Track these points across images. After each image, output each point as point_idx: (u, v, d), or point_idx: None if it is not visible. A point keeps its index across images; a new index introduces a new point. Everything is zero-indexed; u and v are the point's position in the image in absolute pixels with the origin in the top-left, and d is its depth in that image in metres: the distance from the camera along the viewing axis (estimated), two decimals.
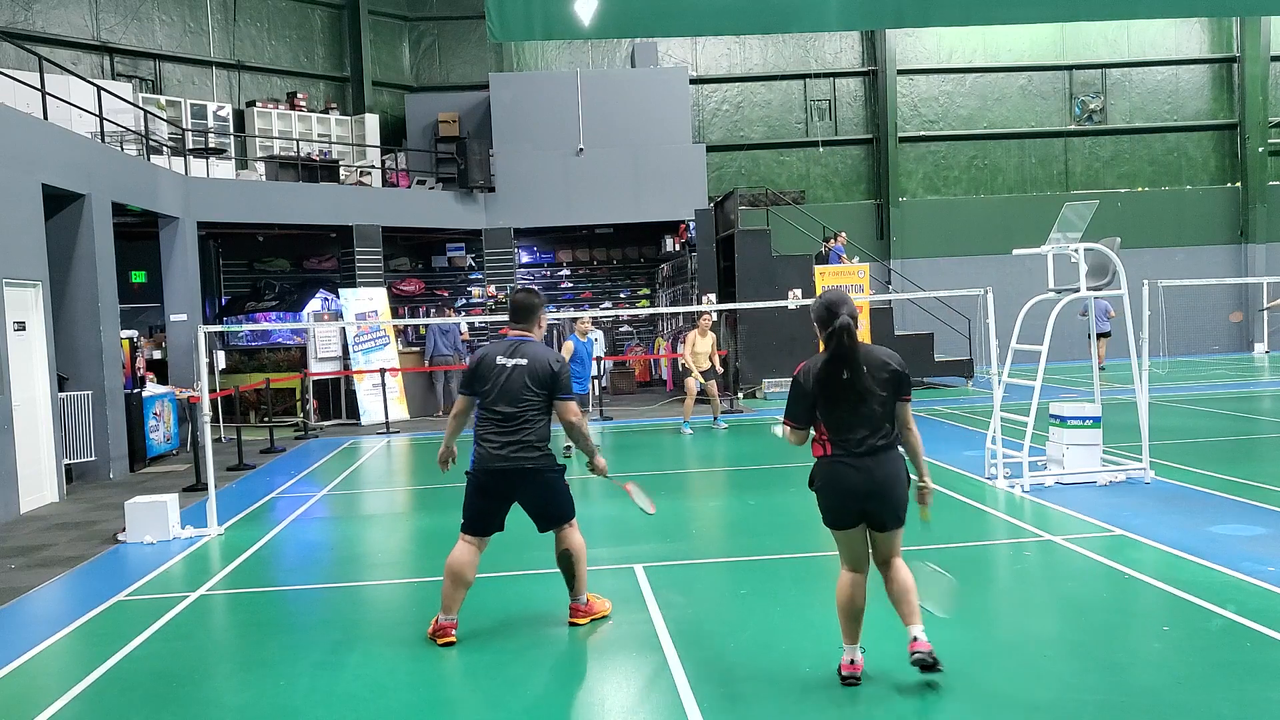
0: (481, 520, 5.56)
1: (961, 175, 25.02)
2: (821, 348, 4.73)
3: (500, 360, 5.51)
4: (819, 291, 18.53)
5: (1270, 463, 10.16)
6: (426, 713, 4.65)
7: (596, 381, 18.01)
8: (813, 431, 4.80)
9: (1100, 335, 20.11)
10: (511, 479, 5.45)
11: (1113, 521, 7.66)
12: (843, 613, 4.73)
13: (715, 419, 14.76)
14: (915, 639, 4.62)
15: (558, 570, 5.74)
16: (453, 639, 5.47)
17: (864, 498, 4.59)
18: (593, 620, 5.72)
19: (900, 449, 4.72)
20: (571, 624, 5.68)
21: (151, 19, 19.40)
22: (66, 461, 11.43)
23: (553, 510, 5.62)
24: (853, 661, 4.73)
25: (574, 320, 12.84)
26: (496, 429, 5.46)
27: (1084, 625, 5.44)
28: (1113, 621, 5.48)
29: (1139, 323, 9.52)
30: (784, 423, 4.84)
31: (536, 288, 6.98)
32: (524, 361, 5.50)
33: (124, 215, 14.04)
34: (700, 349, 14.49)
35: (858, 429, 4.60)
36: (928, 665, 4.55)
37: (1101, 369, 19.80)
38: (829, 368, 4.61)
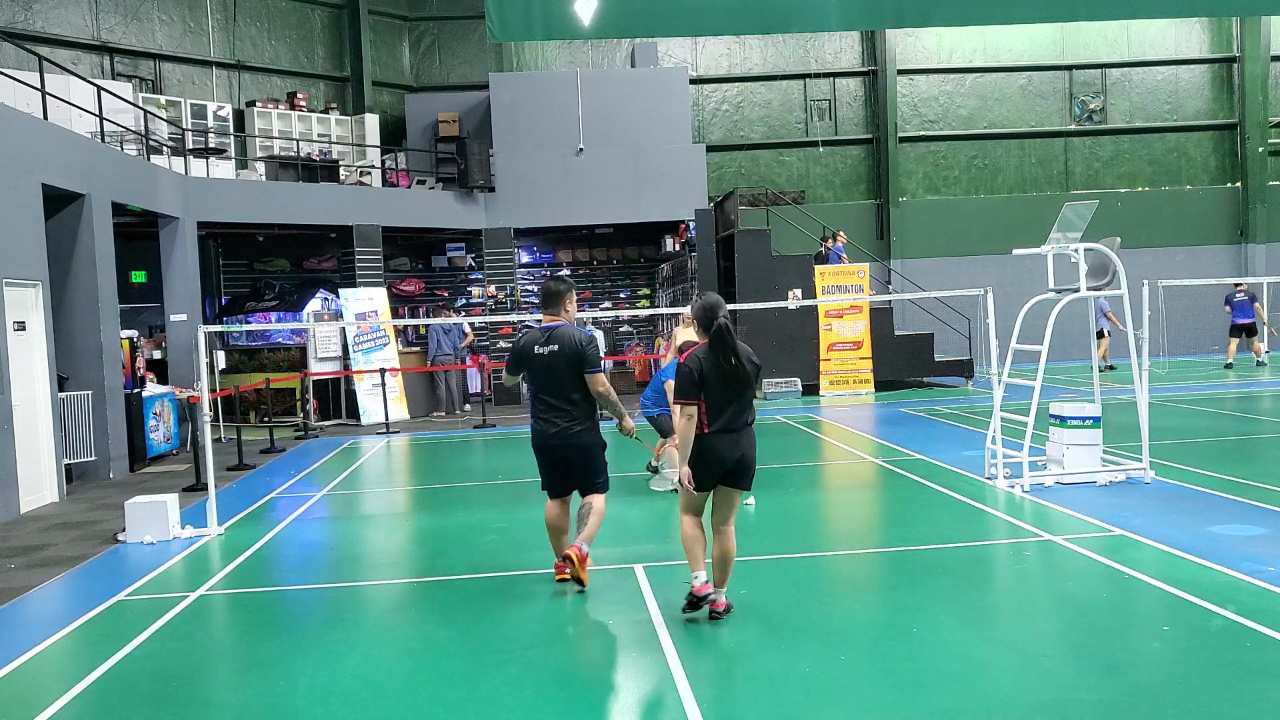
0: (555, 485, 6.48)
1: (961, 175, 25.02)
2: (703, 341, 5.66)
3: (537, 349, 6.25)
4: (819, 292, 18.61)
5: (1270, 463, 10.15)
6: (426, 713, 4.64)
7: None
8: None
9: (1099, 335, 20.17)
10: (565, 452, 6.33)
11: (1113, 521, 7.66)
12: (696, 545, 5.75)
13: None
14: (716, 600, 5.69)
15: (555, 574, 6.43)
16: (566, 575, 6.32)
17: (732, 465, 5.58)
18: (573, 578, 6.25)
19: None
20: (564, 557, 6.29)
21: (151, 19, 19.40)
22: (66, 461, 11.43)
23: (592, 477, 6.42)
24: (705, 583, 5.71)
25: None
26: (547, 410, 6.29)
27: (1084, 625, 5.44)
28: (1113, 621, 5.48)
29: (1139, 323, 9.52)
30: (679, 403, 5.61)
31: (565, 275, 7.57)
32: (556, 347, 6.19)
33: (124, 215, 14.04)
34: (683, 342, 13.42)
35: (729, 409, 5.55)
36: (718, 616, 5.68)
37: (1110, 368, 20.00)
38: (713, 359, 5.54)
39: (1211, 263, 24.55)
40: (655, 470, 10.35)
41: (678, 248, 20.92)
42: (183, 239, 15.26)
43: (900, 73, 24.42)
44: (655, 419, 9.92)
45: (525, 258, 22.92)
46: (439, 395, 18.49)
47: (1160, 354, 18.62)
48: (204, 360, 9.05)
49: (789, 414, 16.14)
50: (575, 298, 6.59)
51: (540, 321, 6.46)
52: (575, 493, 6.57)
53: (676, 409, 5.61)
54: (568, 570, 6.30)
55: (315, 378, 17.37)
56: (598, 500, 6.40)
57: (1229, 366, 20.14)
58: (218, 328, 12.99)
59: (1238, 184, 25.20)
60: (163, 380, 15.10)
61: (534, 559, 7.22)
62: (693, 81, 23.30)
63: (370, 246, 18.57)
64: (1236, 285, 20.10)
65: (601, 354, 6.69)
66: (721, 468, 5.60)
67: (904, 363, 19.31)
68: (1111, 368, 20.14)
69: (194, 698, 4.96)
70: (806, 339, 18.74)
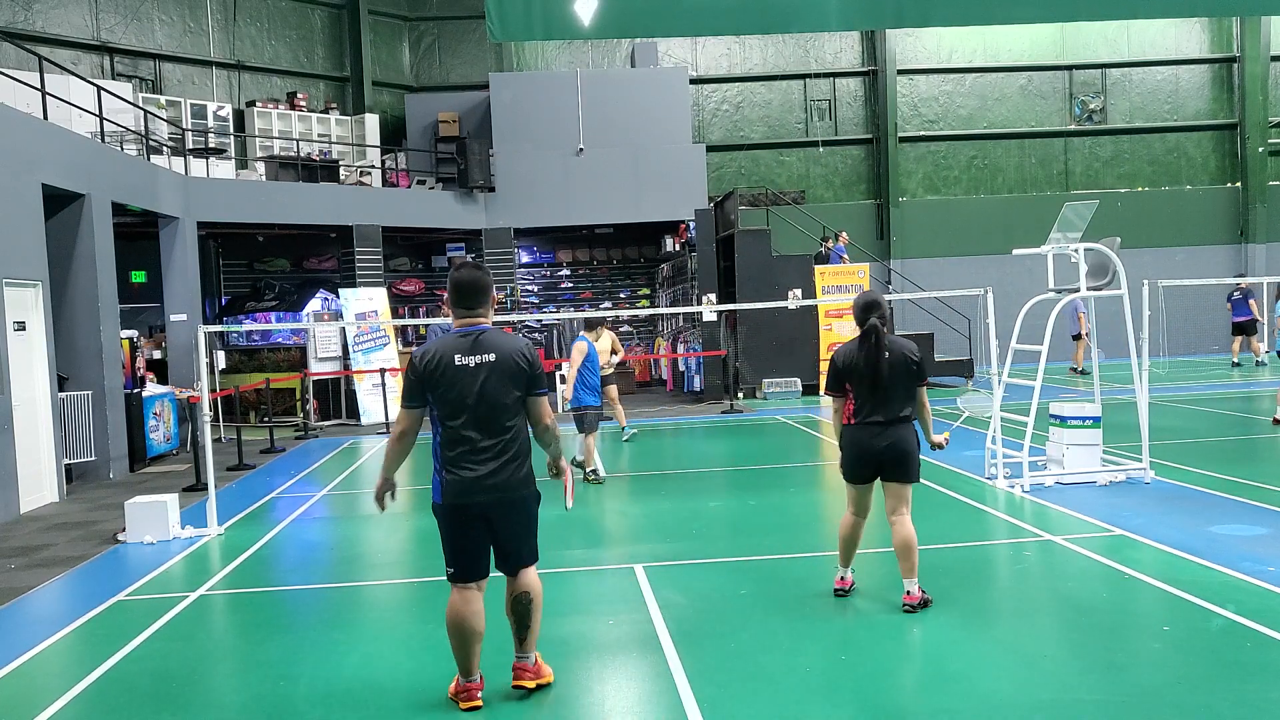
0: (473, 562, 4.57)
1: (961, 175, 25.02)
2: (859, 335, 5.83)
3: (461, 360, 4.42)
4: (819, 292, 18.60)
5: (1270, 463, 10.15)
6: (426, 713, 4.64)
7: None
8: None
9: (1074, 337, 20.12)
10: (496, 510, 4.50)
11: (1113, 521, 7.66)
12: (842, 542, 6.03)
13: (622, 428, 13.77)
14: (908, 592, 5.73)
15: (463, 702, 4.61)
16: (478, 702, 4.59)
17: (878, 459, 5.73)
18: (539, 686, 4.75)
19: (915, 422, 5.85)
20: (517, 686, 4.70)
21: (151, 19, 19.40)
22: (66, 461, 11.43)
23: (528, 547, 4.68)
24: (843, 579, 6.07)
25: (582, 321, 12.11)
26: (470, 449, 4.43)
27: (1084, 625, 5.44)
28: (1113, 621, 5.48)
29: (1139, 323, 9.52)
30: (825, 393, 6.06)
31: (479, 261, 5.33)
32: (491, 357, 4.44)
33: (124, 215, 14.04)
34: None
35: (877, 404, 5.72)
36: (913, 610, 5.69)
37: (1082, 372, 19.95)
38: (860, 353, 5.75)
39: (1211, 263, 24.54)
40: (580, 466, 10.44)
41: (678, 248, 20.93)
42: (183, 239, 15.26)
43: (900, 73, 24.42)
44: (577, 410, 10.30)
45: (525, 258, 22.93)
46: None
47: (1160, 354, 18.61)
48: (204, 360, 9.05)
49: (789, 414, 16.14)
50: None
51: (452, 326, 4.63)
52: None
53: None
54: (479, 697, 4.63)
55: (315, 378, 17.37)
56: (535, 582, 4.68)
57: (1236, 365, 20.17)
58: (218, 328, 12.99)
59: (1238, 184, 25.20)
60: (163, 380, 15.10)
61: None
62: (693, 81, 23.30)
63: (370, 246, 18.57)
64: (1237, 285, 20.06)
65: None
66: (865, 459, 5.76)
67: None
68: (1084, 372, 20.00)
69: (194, 698, 4.96)
70: (806, 339, 18.73)
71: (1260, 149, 24.70)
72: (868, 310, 5.79)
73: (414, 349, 4.46)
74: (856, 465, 5.82)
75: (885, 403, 5.70)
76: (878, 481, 5.87)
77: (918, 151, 24.83)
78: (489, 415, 4.44)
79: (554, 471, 4.85)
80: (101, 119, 13.87)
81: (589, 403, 10.40)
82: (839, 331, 18.83)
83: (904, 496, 5.79)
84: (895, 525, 5.78)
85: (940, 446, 6.00)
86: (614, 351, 12.85)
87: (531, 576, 4.68)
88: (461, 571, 4.56)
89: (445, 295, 4.65)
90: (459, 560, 4.56)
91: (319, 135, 20.61)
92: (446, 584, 4.59)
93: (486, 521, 4.52)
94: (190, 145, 17.46)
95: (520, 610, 4.65)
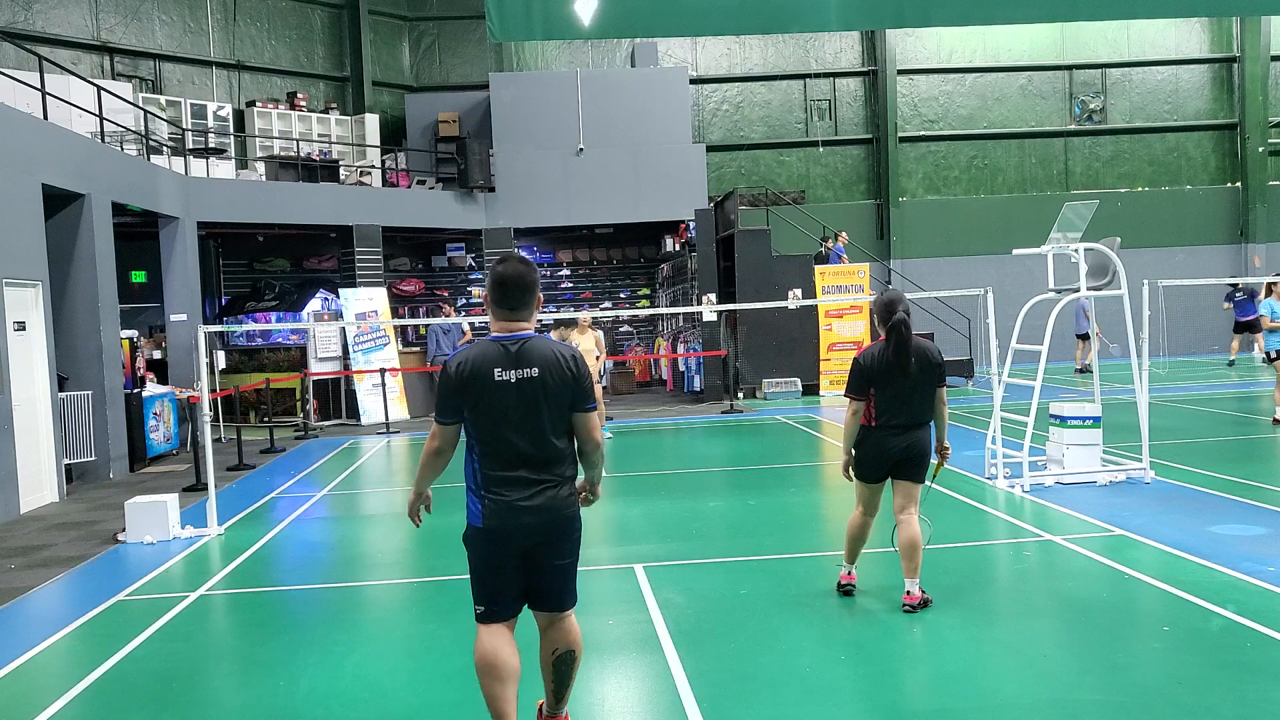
0: (507, 598, 3.99)
1: (961, 175, 25.02)
2: (882, 337, 5.73)
3: (500, 375, 3.85)
4: (819, 292, 18.61)
5: (1270, 463, 10.15)
6: (426, 713, 4.64)
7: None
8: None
9: (1080, 336, 20.16)
10: (538, 536, 3.92)
11: (1113, 521, 7.66)
12: (850, 540, 6.05)
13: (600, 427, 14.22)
14: (909, 592, 5.73)
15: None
16: None
17: (894, 458, 5.72)
18: None
19: (931, 424, 5.83)
20: None
21: (151, 19, 19.39)
22: (66, 461, 11.43)
23: (571, 584, 4.06)
24: (849, 574, 6.12)
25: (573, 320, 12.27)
26: (512, 471, 3.89)
27: (1084, 625, 5.44)
28: (1113, 621, 5.48)
29: (1139, 323, 9.52)
30: (846, 396, 5.87)
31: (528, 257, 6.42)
32: (534, 372, 3.86)
33: (124, 215, 14.04)
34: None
35: (901, 407, 5.69)
36: (913, 610, 5.69)
37: (1082, 371, 19.97)
38: (887, 355, 5.64)
39: (1211, 263, 24.54)
40: None
41: (678, 248, 20.93)
42: (183, 239, 15.26)
43: (900, 73, 24.42)
44: None
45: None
46: None
47: (1160, 354, 18.61)
48: (204, 360, 9.05)
49: (789, 414, 16.14)
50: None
51: (489, 330, 4.00)
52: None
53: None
54: None
55: (315, 378, 17.37)
56: (578, 636, 4.08)
57: (1231, 364, 20.18)
58: (218, 328, 12.99)
59: (1238, 184, 25.20)
60: (163, 380, 15.10)
61: None
62: (693, 81, 23.29)
63: (370, 246, 18.56)
64: (1235, 285, 20.10)
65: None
66: (882, 460, 5.75)
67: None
68: (1085, 370, 20.01)
69: (194, 698, 4.96)
70: (806, 339, 18.74)
71: (1260, 149, 24.70)
72: (890, 308, 5.70)
73: (449, 355, 3.86)
74: (873, 465, 5.82)
75: (909, 406, 5.69)
76: (887, 480, 5.89)
77: (918, 151, 24.83)
78: (532, 435, 3.88)
79: (588, 498, 4.19)
80: (101, 119, 13.87)
81: None
82: (839, 331, 18.84)
83: (914, 495, 5.82)
84: (903, 524, 5.79)
85: (943, 459, 6.06)
86: (598, 355, 13.07)
87: (574, 629, 4.07)
88: (492, 611, 3.97)
89: (485, 294, 4.09)
90: (484, 597, 3.98)
91: (319, 135, 20.60)
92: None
93: (526, 552, 3.94)
94: (190, 145, 17.46)
95: (562, 669, 4.06)
